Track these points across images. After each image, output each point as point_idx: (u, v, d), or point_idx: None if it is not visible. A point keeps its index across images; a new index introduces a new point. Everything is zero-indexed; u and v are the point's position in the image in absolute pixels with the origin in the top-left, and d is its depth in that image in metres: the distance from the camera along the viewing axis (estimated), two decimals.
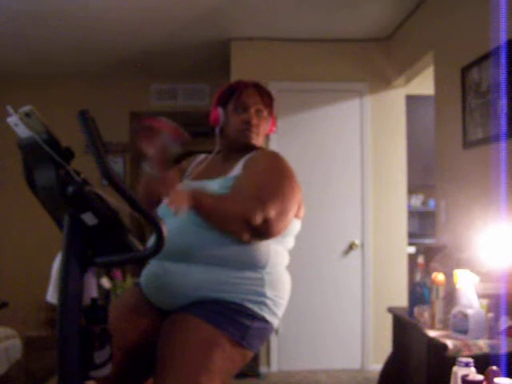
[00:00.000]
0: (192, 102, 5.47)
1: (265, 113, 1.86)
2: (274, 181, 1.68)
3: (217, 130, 1.90)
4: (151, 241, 1.28)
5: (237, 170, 1.75)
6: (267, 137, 1.98)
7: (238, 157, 1.81)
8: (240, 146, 1.84)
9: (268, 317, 1.66)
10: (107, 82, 5.39)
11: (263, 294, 1.65)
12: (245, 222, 1.55)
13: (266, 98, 1.87)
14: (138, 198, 1.65)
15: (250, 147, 1.83)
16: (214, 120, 1.88)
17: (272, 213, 1.58)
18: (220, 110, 1.87)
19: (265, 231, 1.60)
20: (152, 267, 1.72)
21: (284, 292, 1.73)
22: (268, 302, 1.66)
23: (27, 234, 5.21)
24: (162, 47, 4.56)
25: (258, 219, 1.55)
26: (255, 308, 1.64)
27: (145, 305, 1.72)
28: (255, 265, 1.65)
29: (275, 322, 1.71)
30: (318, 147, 4.34)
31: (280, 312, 1.72)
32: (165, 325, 1.63)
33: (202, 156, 1.99)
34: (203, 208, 1.54)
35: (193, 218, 1.58)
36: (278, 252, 1.72)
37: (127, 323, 1.67)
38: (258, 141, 1.85)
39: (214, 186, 1.69)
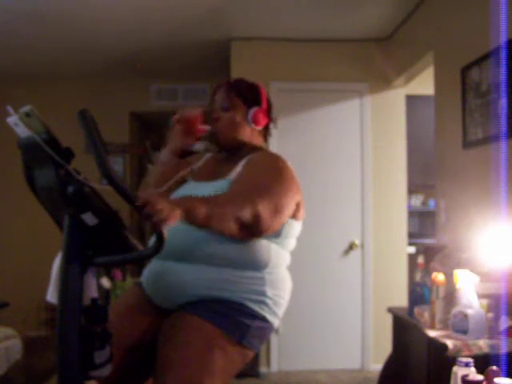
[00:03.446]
0: (192, 102, 5.46)
1: (230, 104, 1.80)
2: (265, 180, 1.66)
3: None
4: (152, 241, 1.28)
5: (237, 171, 1.74)
6: (266, 132, 1.91)
7: (238, 158, 1.79)
8: (220, 145, 1.83)
9: (268, 316, 1.66)
10: (107, 82, 5.39)
11: (264, 294, 1.65)
12: (236, 220, 1.51)
13: (235, 91, 1.81)
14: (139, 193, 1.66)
15: (231, 144, 1.81)
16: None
17: (261, 208, 1.55)
18: None
19: (256, 227, 1.57)
20: (153, 266, 1.73)
21: (285, 292, 1.73)
22: (268, 301, 1.66)
23: (27, 234, 5.21)
24: (162, 47, 4.56)
25: (248, 215, 1.52)
26: (255, 307, 1.64)
27: (145, 304, 1.72)
28: (257, 265, 1.65)
29: (275, 321, 1.71)
30: (318, 147, 4.34)
31: (280, 312, 1.72)
32: (165, 324, 1.63)
33: (208, 154, 1.98)
34: (198, 217, 1.42)
35: None
36: (279, 253, 1.71)
37: (128, 322, 1.67)
38: (228, 133, 1.80)
39: (216, 187, 1.68)
